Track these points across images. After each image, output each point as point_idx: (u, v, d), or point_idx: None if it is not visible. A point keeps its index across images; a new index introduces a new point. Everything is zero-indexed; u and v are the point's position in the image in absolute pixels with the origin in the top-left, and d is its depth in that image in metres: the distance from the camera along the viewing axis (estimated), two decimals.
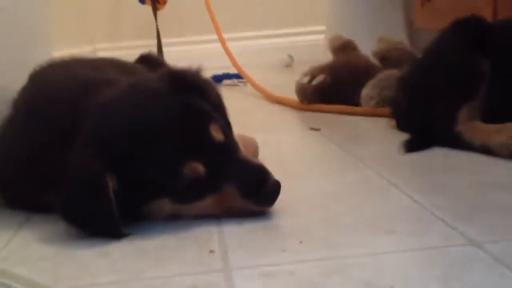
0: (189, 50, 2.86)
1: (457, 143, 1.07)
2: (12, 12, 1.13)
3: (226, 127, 0.84)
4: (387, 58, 1.55)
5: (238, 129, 0.89)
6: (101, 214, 0.75)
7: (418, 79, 1.21)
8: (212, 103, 0.85)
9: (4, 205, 0.93)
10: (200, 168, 0.77)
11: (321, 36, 2.64)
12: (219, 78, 2.26)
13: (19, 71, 1.08)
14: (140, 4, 2.66)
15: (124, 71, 0.99)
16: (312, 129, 1.37)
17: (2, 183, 0.93)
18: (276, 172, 0.80)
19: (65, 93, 0.87)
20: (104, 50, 2.89)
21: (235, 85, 2.29)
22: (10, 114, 0.96)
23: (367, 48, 1.78)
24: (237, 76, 2.30)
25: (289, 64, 2.84)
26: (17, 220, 0.87)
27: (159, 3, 2.60)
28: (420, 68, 1.23)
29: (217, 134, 0.80)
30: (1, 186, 0.93)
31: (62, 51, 2.01)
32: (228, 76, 2.32)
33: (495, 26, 1.19)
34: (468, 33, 1.12)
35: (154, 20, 2.57)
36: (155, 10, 2.58)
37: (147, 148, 0.76)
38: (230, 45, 2.38)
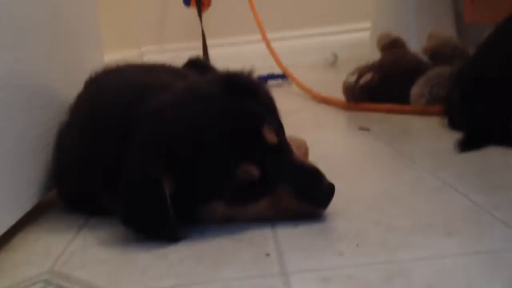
0: (234, 51, 2.87)
1: None
2: (64, 20, 1.15)
3: (279, 129, 0.84)
4: (437, 55, 1.51)
5: (286, 130, 0.89)
6: (158, 218, 0.76)
7: (473, 75, 1.17)
8: (265, 105, 0.85)
9: (63, 208, 0.96)
10: (254, 170, 0.77)
11: (366, 34, 2.61)
12: (264, 79, 2.26)
13: (73, 77, 1.11)
14: (185, 7, 2.69)
15: (176, 76, 1.01)
16: (361, 128, 1.35)
17: (60, 187, 0.96)
18: (328, 173, 0.80)
19: (121, 98, 0.88)
20: (151, 52, 2.94)
21: (280, 85, 2.29)
22: (67, 120, 0.99)
23: (415, 44, 1.75)
24: (282, 76, 2.30)
25: (333, 63, 2.82)
26: (76, 223, 0.89)
27: (203, 5, 2.63)
28: (475, 64, 1.20)
29: (270, 136, 0.80)
30: (60, 189, 0.96)
31: (110, 55, 2.05)
32: (273, 76, 2.33)
33: None
34: None
35: (199, 22, 2.60)
36: (200, 12, 2.61)
37: (201, 151, 0.77)
38: (274, 45, 2.38)
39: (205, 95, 0.81)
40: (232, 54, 2.78)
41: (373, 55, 1.75)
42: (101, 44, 1.46)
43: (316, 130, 1.41)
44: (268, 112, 0.84)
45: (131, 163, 0.77)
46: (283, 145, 0.81)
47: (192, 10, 2.67)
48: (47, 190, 0.96)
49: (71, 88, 1.05)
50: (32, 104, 0.92)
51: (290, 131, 0.93)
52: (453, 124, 1.23)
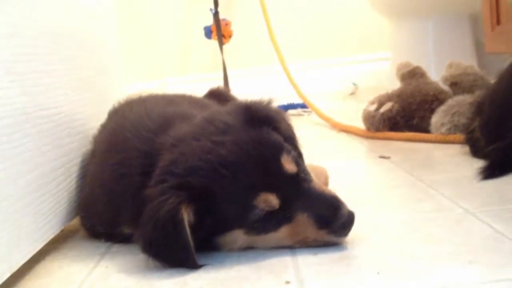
0: (254, 81, 2.91)
1: None
2: (88, 53, 1.19)
3: (298, 157, 0.85)
4: (457, 84, 1.52)
5: (306, 159, 0.90)
6: (178, 247, 0.77)
7: (494, 104, 1.17)
8: (284, 134, 0.86)
9: (86, 236, 0.97)
10: (273, 200, 0.78)
11: (385, 63, 2.62)
12: (284, 108, 2.27)
13: (97, 107, 1.14)
14: (206, 39, 2.74)
15: (197, 106, 1.03)
16: (381, 157, 1.35)
17: (83, 215, 0.98)
18: (348, 201, 0.80)
19: (142, 129, 0.90)
20: (173, 84, 2.99)
21: (300, 114, 2.30)
22: (91, 150, 1.01)
23: (434, 73, 1.75)
24: (302, 106, 2.31)
25: (353, 92, 2.83)
26: (98, 251, 0.90)
27: (224, 37, 2.67)
28: (496, 93, 1.20)
29: (289, 165, 0.80)
30: (84, 217, 0.98)
31: (134, 86, 2.10)
32: (293, 106, 2.34)
33: None
34: None
35: (220, 53, 2.64)
36: (221, 44, 2.65)
37: (221, 181, 0.78)
38: (294, 75, 2.40)
39: (224, 125, 0.82)
40: (252, 85, 2.81)
41: (393, 84, 1.76)
42: (123, 77, 1.49)
43: (336, 159, 1.42)
44: (287, 141, 0.85)
45: (152, 195, 0.78)
46: (302, 174, 0.82)
47: (214, 42, 2.72)
48: (70, 219, 0.98)
49: (96, 118, 1.08)
50: (57, 135, 0.94)
51: (310, 159, 0.94)
52: (475, 152, 1.23)
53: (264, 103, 0.90)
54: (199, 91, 1.27)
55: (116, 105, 1.06)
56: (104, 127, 1.03)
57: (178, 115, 0.92)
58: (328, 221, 0.78)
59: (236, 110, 0.86)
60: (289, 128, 0.90)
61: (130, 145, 0.89)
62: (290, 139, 0.88)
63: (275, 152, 0.81)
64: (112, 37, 1.43)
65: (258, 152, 0.80)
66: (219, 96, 1.27)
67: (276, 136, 0.84)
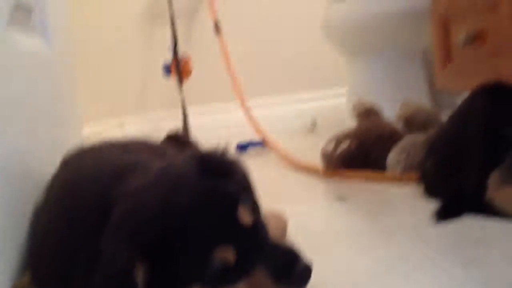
0: (214, 118, 2.91)
1: (489, 210, 1.05)
2: (41, 97, 1.16)
3: (255, 208, 0.84)
4: (411, 122, 1.55)
5: (265, 202, 0.89)
6: None
7: (445, 144, 1.20)
8: (240, 184, 0.85)
9: None
10: (230, 254, 0.76)
11: (344, 99, 2.66)
12: (243, 148, 2.28)
13: (50, 152, 1.11)
14: (165, 77, 2.73)
15: (154, 153, 1.01)
16: (339, 198, 1.36)
17: (34, 269, 0.94)
18: (306, 249, 0.80)
19: (96, 181, 0.88)
20: (131, 123, 2.96)
21: (260, 153, 2.30)
22: (42, 201, 0.98)
23: (389, 111, 1.79)
24: (262, 144, 2.32)
25: (312, 129, 2.86)
26: None
27: (183, 74, 2.67)
28: (446, 133, 1.23)
29: (245, 217, 0.79)
30: (34, 273, 0.94)
31: (90, 126, 2.07)
32: (252, 144, 2.34)
33: None
34: (493, 99, 1.12)
35: (179, 91, 2.63)
36: (180, 81, 2.65)
37: (176, 236, 0.76)
38: (254, 111, 2.42)
39: (178, 177, 0.81)
40: (212, 122, 2.82)
41: (351, 120, 1.78)
42: (81, 121, 1.47)
43: (294, 200, 1.42)
44: (244, 191, 0.84)
45: (104, 250, 0.76)
46: (259, 226, 0.81)
47: (172, 79, 2.72)
48: (20, 274, 0.94)
49: (49, 166, 1.05)
50: (7, 184, 0.91)
51: (268, 201, 0.93)
52: (429, 192, 1.25)
53: (219, 153, 0.89)
54: (158, 129, 1.25)
55: (68, 154, 1.04)
56: (55, 178, 1.00)
57: (133, 165, 0.91)
58: (285, 274, 0.77)
59: (191, 161, 0.85)
60: (245, 178, 0.90)
61: (82, 200, 0.87)
62: (247, 189, 0.87)
63: (231, 204, 0.80)
64: (67, 81, 1.41)
65: (213, 204, 0.79)
66: (177, 141, 1.26)
67: (232, 187, 0.83)
